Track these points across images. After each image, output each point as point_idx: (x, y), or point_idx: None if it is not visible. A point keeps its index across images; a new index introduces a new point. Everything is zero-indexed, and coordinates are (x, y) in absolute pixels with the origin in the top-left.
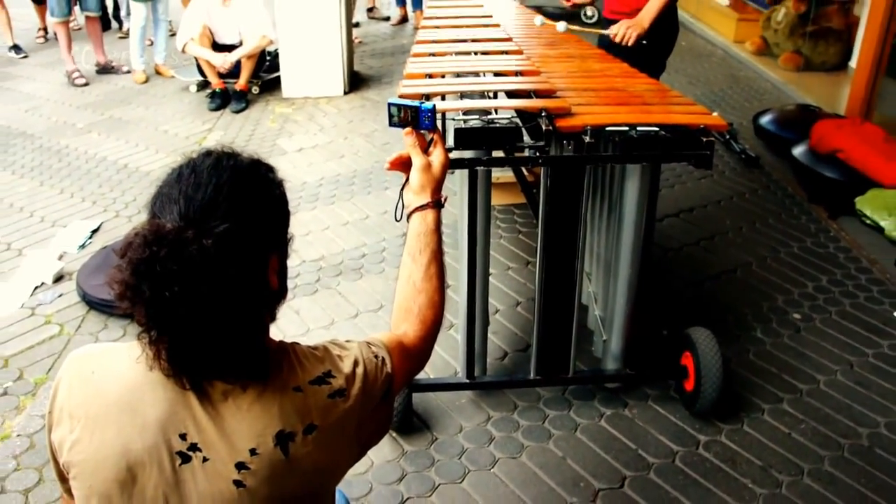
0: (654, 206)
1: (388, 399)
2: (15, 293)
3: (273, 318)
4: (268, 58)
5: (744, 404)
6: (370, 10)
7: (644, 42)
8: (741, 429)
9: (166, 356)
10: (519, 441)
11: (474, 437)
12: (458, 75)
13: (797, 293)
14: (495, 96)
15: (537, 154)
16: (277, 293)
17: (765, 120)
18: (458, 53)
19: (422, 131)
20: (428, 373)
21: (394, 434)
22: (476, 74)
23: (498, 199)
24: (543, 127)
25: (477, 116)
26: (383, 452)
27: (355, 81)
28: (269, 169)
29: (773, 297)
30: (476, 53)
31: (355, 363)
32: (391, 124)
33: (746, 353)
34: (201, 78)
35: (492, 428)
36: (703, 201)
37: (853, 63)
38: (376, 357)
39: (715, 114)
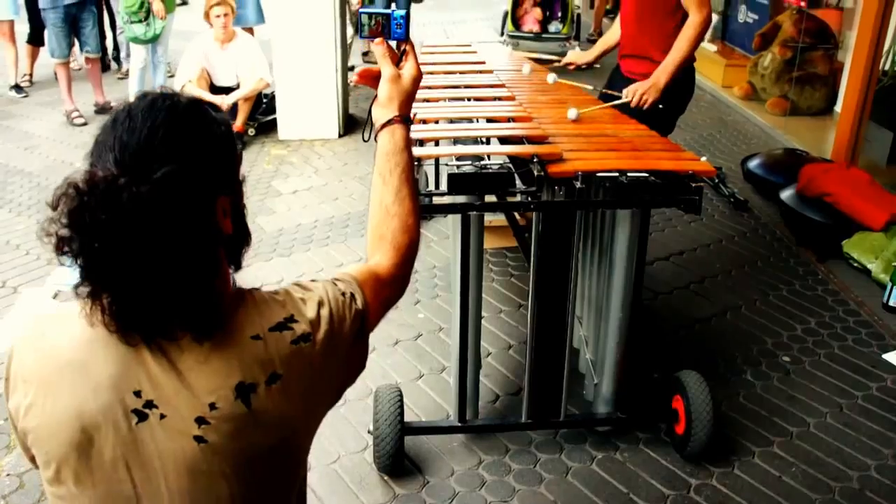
0: (645, 250)
1: (361, 338)
2: (9, 331)
3: (237, 265)
4: (264, 100)
5: (735, 447)
6: (365, 54)
7: (661, 106)
8: (732, 472)
9: (108, 312)
10: (510, 485)
11: (466, 480)
12: (451, 121)
13: (786, 336)
14: (488, 142)
15: (529, 199)
16: (236, 238)
17: (753, 164)
18: (451, 99)
19: (393, 41)
20: (419, 416)
21: (385, 477)
22: (469, 120)
23: (490, 243)
24: (535, 172)
25: (470, 162)
26: (374, 496)
27: (350, 124)
28: (211, 107)
29: (762, 339)
30: (469, 99)
31: (320, 304)
32: (362, 35)
33: (737, 396)
34: None
35: (483, 472)
36: (693, 245)
37: (838, 108)
38: (343, 295)
39: (703, 159)
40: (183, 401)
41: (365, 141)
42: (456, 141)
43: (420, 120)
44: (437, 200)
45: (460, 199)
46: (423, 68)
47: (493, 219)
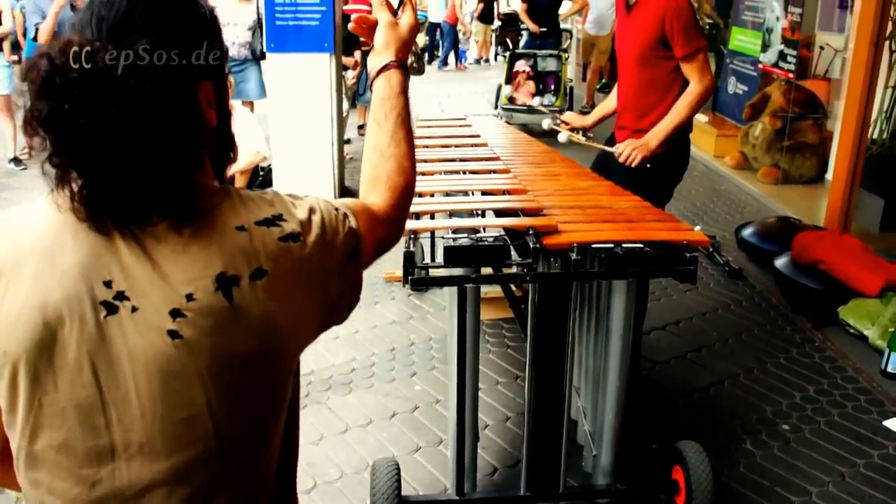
0: (641, 320)
1: (356, 260)
2: None
3: (220, 176)
4: (261, 173)
5: None
6: (361, 127)
7: (648, 165)
8: None
9: (78, 197)
10: None
11: None
12: (447, 194)
13: (785, 404)
14: (483, 215)
15: (525, 271)
16: (220, 137)
17: (747, 232)
18: (446, 172)
19: None
20: (417, 489)
21: None
22: (465, 193)
23: (487, 314)
24: (531, 244)
25: (466, 235)
26: None
27: (346, 196)
28: None
29: (761, 408)
30: (464, 172)
31: (311, 210)
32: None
33: (737, 466)
34: None
35: None
36: (689, 313)
37: (829, 176)
38: (337, 210)
39: (697, 228)
40: (157, 292)
41: (360, 95)
42: (452, 214)
43: (416, 193)
44: (433, 273)
45: (457, 271)
46: (419, 142)
47: (490, 290)
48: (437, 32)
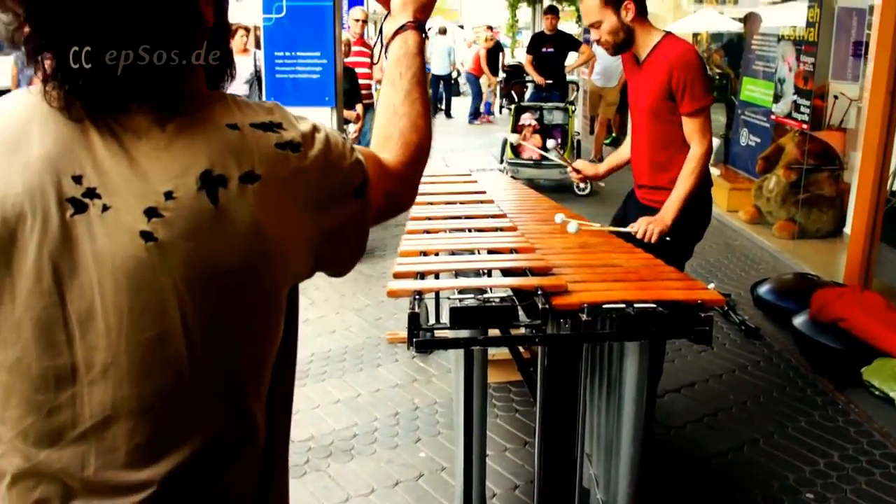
0: (655, 383)
1: (362, 198)
2: None
3: (216, 79)
4: None
5: None
6: None
7: (668, 238)
8: None
9: (52, 75)
10: None
11: None
12: (452, 253)
13: (808, 471)
14: (490, 274)
15: (534, 332)
16: (215, 38)
17: (763, 290)
18: (452, 230)
19: None
20: None
21: None
22: (471, 252)
23: (494, 377)
24: (540, 305)
25: (472, 295)
26: None
27: None
28: None
29: (783, 475)
30: (470, 230)
31: (315, 128)
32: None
33: None
34: None
35: None
36: (705, 375)
37: (848, 230)
38: (345, 140)
39: (711, 286)
40: (133, 190)
41: (374, 63)
42: (457, 273)
43: (420, 252)
44: (438, 335)
45: (463, 333)
46: (423, 198)
47: (497, 352)
48: (440, 85)
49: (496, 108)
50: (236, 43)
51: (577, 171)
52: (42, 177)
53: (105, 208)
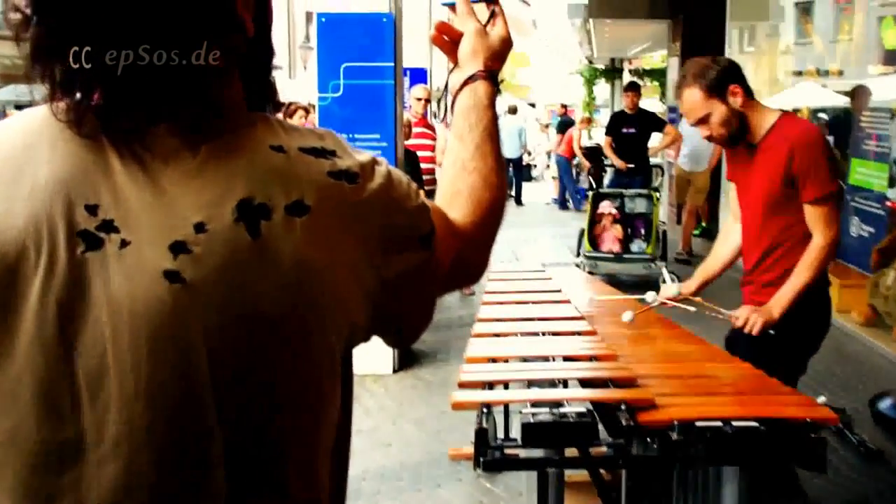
0: None
1: (428, 249)
2: None
3: (257, 102)
4: None
5: None
6: None
7: (771, 332)
8: None
9: (58, 86)
10: None
11: None
12: (524, 360)
13: None
14: (567, 385)
15: (617, 453)
16: (256, 53)
17: (885, 405)
18: (524, 334)
19: (480, 1)
20: None
21: None
22: (545, 359)
23: (571, 502)
24: (623, 421)
25: (547, 409)
26: None
27: (407, 358)
28: None
29: None
30: (544, 334)
31: (375, 161)
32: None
33: None
34: None
35: None
36: None
37: None
38: (409, 180)
39: (821, 400)
40: (157, 222)
41: (436, 117)
42: (530, 384)
43: (489, 358)
44: (509, 453)
45: (536, 452)
46: (490, 297)
47: (575, 474)
48: (510, 169)
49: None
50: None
51: (666, 303)
52: (49, 206)
53: (124, 244)
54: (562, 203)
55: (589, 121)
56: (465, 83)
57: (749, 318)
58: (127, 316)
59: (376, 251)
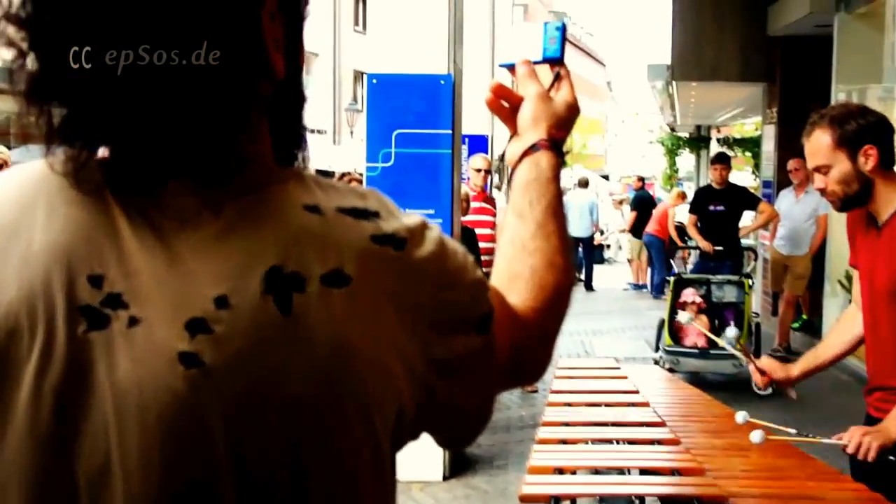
0: None
1: (486, 333)
2: None
3: (286, 153)
4: None
5: None
6: None
7: (892, 458)
8: None
9: (60, 127)
10: None
11: None
12: (595, 471)
13: None
14: (644, 502)
15: None
16: (286, 97)
17: None
18: (594, 441)
19: (542, 63)
20: None
21: None
22: (619, 471)
23: None
24: None
25: None
26: None
27: (460, 463)
28: None
29: None
30: (619, 442)
31: (425, 225)
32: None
33: None
34: None
35: None
36: None
37: None
38: (465, 251)
39: None
40: (172, 295)
41: (498, 187)
42: (602, 500)
43: (554, 469)
44: None
45: None
46: (558, 397)
47: None
48: (580, 249)
49: (648, 281)
50: None
51: (762, 372)
52: (46, 277)
53: (133, 321)
54: (658, 289)
55: (683, 196)
56: (526, 154)
57: (861, 441)
58: (135, 408)
59: (426, 330)
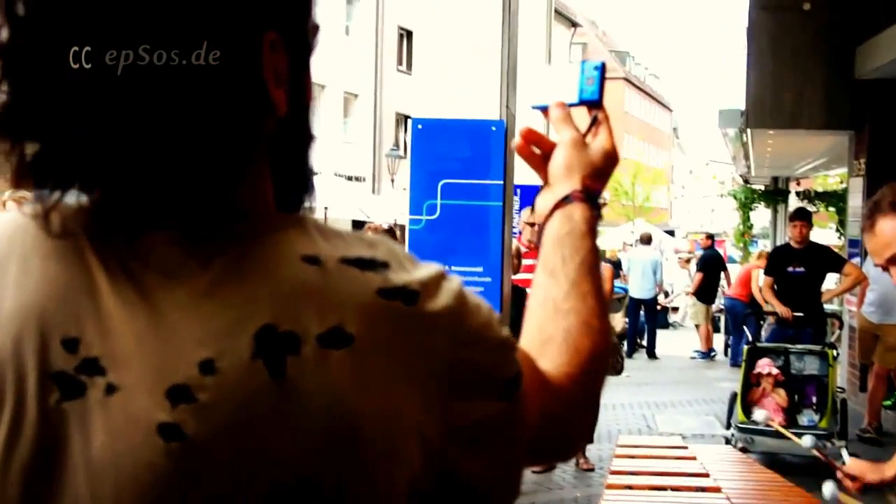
0: None
1: (509, 400)
2: None
3: (291, 197)
4: None
5: None
6: None
7: None
8: None
9: (32, 166)
10: None
11: None
12: None
13: None
14: None
15: None
16: (290, 135)
17: None
18: None
19: (579, 105)
20: None
21: None
22: None
23: None
24: None
25: None
26: None
27: None
28: None
29: None
30: None
31: (441, 275)
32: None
33: None
34: None
35: None
36: None
37: None
38: (490, 308)
39: None
40: (153, 358)
41: (527, 246)
42: None
43: None
44: None
45: None
46: (618, 479)
47: None
48: (641, 313)
49: (719, 348)
50: None
51: (852, 478)
52: (17, 341)
53: (110, 389)
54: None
55: (765, 256)
56: (558, 206)
57: None
58: (111, 487)
59: (442, 394)
